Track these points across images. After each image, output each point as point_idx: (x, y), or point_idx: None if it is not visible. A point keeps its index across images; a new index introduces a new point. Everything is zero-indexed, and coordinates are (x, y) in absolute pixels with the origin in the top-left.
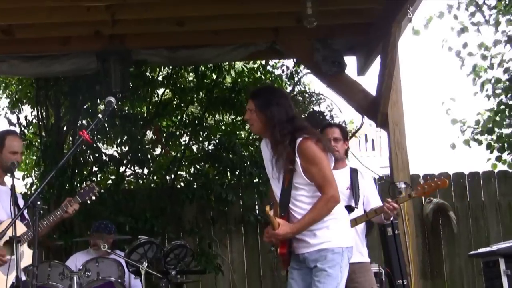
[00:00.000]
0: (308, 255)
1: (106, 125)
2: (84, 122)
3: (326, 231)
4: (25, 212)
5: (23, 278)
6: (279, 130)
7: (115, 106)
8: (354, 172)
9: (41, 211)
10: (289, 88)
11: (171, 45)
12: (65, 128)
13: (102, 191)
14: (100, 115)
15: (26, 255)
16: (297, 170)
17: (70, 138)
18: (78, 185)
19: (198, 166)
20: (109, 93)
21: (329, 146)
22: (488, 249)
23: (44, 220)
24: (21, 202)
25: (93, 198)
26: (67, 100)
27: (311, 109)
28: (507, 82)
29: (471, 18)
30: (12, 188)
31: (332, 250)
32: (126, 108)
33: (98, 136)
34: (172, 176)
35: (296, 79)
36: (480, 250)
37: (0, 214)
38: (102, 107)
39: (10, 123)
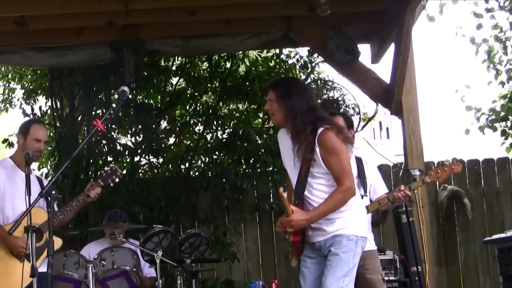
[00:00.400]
0: (324, 242)
1: (120, 115)
2: (98, 112)
3: (343, 220)
4: None
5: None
6: (301, 120)
7: (129, 96)
8: (359, 161)
9: (56, 201)
10: (303, 77)
11: (184, 34)
12: (79, 119)
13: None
14: (114, 105)
15: None
16: (316, 160)
17: (85, 128)
18: (93, 175)
19: (212, 155)
20: (123, 83)
21: (349, 137)
22: (502, 235)
23: (67, 206)
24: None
25: (116, 180)
26: (81, 91)
27: (325, 96)
28: None
29: (486, 5)
30: (27, 177)
31: (348, 236)
32: (140, 97)
33: (113, 126)
34: (187, 165)
35: (309, 68)
36: (494, 236)
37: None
38: (116, 97)
39: (25, 114)
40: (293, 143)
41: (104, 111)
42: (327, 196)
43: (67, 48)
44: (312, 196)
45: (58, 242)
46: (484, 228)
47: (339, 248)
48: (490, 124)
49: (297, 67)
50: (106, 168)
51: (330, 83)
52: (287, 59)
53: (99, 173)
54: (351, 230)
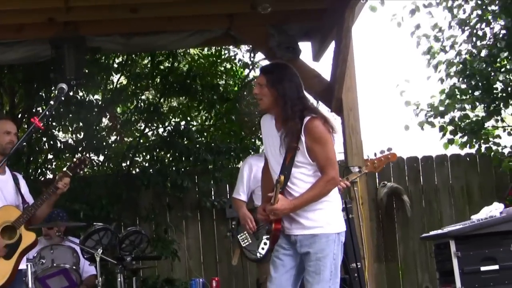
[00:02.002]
0: (301, 237)
1: (61, 112)
2: (39, 109)
3: (321, 214)
4: (28, 196)
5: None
6: (291, 107)
7: (70, 93)
8: None
9: None
10: (244, 74)
11: (125, 31)
12: (19, 116)
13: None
14: (52, 102)
15: (24, 237)
16: (300, 148)
17: (25, 126)
18: (33, 173)
19: (153, 153)
20: (63, 80)
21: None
22: (439, 231)
23: (37, 200)
24: (23, 185)
25: (85, 169)
26: (21, 88)
27: None
28: (460, 65)
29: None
30: None
31: (327, 236)
32: (81, 95)
33: (53, 123)
34: (128, 162)
35: (250, 65)
36: (431, 233)
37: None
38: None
39: None
40: (280, 130)
41: (44, 108)
42: (308, 186)
43: (7, 45)
44: (293, 186)
45: (31, 237)
46: (423, 224)
47: (319, 251)
48: (428, 120)
49: (237, 63)
50: (74, 159)
51: None
52: (229, 56)
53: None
54: (330, 228)
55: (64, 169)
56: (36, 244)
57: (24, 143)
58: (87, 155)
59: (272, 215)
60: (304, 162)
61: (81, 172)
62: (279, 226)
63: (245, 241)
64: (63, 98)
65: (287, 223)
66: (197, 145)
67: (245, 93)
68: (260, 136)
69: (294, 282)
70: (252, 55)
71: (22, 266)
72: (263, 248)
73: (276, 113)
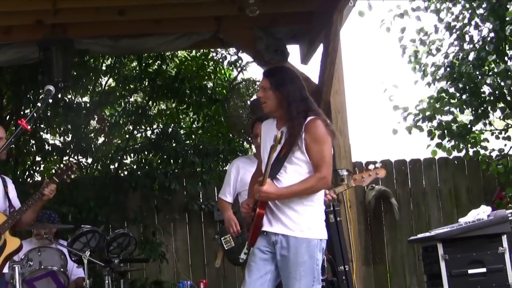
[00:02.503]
0: (282, 238)
1: (49, 114)
2: (27, 111)
3: (304, 218)
4: (15, 201)
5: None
6: (295, 108)
7: (59, 95)
8: None
9: None
10: (232, 76)
11: (113, 34)
12: (7, 118)
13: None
14: (39, 104)
15: (9, 242)
16: (299, 146)
17: (13, 128)
18: (22, 175)
19: (141, 155)
20: (51, 83)
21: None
22: (427, 234)
23: (23, 206)
24: (11, 189)
25: (72, 176)
26: (9, 90)
27: (254, 97)
28: (448, 69)
29: (412, 3)
30: None
31: (308, 241)
32: (69, 97)
33: (41, 125)
34: (116, 165)
35: (238, 68)
36: (419, 236)
37: None
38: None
39: None
40: (280, 128)
41: (32, 110)
42: None
43: None
44: (283, 179)
45: (16, 243)
46: (411, 227)
47: (300, 256)
48: (417, 125)
49: (225, 66)
50: (61, 165)
51: (258, 83)
52: (217, 58)
53: (53, 170)
54: (311, 233)
55: (53, 175)
56: (21, 250)
57: (12, 145)
58: (75, 157)
59: (257, 197)
60: (301, 159)
61: (68, 178)
62: (262, 211)
63: (228, 244)
64: (50, 100)
65: (269, 220)
66: (185, 148)
67: (233, 96)
68: (248, 138)
69: None
70: (239, 57)
71: (6, 269)
72: (245, 253)
73: (280, 115)
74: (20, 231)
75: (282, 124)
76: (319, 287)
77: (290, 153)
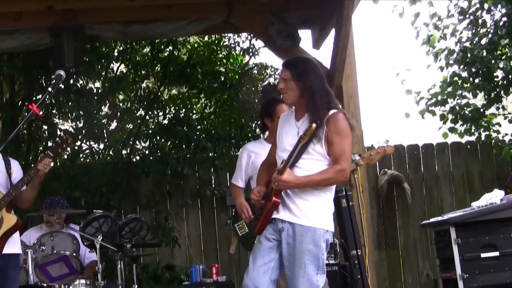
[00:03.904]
0: (288, 226)
1: (61, 100)
2: (39, 97)
3: (312, 207)
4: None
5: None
6: (319, 98)
7: (71, 82)
8: None
9: None
10: (244, 61)
11: (124, 19)
12: (20, 104)
13: (58, 165)
14: (49, 89)
15: (6, 220)
16: (320, 137)
17: (25, 114)
18: (34, 161)
19: (153, 140)
20: (62, 68)
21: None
22: (439, 218)
23: (19, 182)
24: (16, 169)
25: (68, 149)
26: (21, 76)
27: (266, 82)
28: (460, 53)
29: None
30: None
31: (313, 230)
32: (81, 83)
33: (53, 111)
34: (128, 150)
35: (250, 53)
36: (432, 220)
37: None
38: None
39: None
40: (299, 120)
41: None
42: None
43: (6, 32)
44: (299, 169)
45: (12, 219)
46: (424, 212)
47: (305, 245)
48: (429, 109)
49: (238, 51)
50: (56, 138)
51: (270, 69)
52: (229, 44)
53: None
54: (318, 222)
55: (47, 149)
56: (19, 227)
57: (24, 131)
58: (87, 143)
59: (276, 185)
60: (319, 152)
61: (63, 152)
62: (278, 200)
63: (242, 230)
64: (62, 86)
65: (281, 207)
66: (197, 133)
67: (245, 81)
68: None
69: (271, 276)
70: (251, 42)
71: (17, 250)
72: None
73: (301, 106)
74: (22, 208)
75: (301, 115)
76: (323, 276)
77: (309, 144)
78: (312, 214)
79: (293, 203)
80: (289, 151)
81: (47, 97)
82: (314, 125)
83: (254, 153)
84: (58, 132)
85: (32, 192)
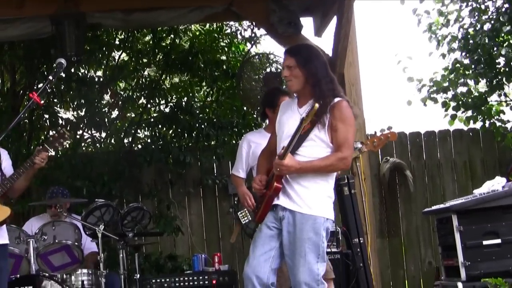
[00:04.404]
0: (289, 214)
1: (62, 89)
2: (40, 86)
3: (312, 195)
4: (8, 170)
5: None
6: (325, 84)
7: (72, 70)
8: None
9: None
10: (246, 49)
11: (125, 8)
12: (21, 93)
13: (59, 154)
14: (50, 77)
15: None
16: (323, 122)
17: (27, 103)
18: (35, 149)
19: (155, 129)
20: (64, 57)
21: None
22: (441, 206)
23: (14, 174)
24: (5, 158)
25: (65, 144)
26: (22, 65)
27: (267, 70)
28: (462, 40)
29: None
30: None
31: (314, 218)
32: (83, 72)
33: (55, 100)
34: (130, 139)
35: (252, 41)
36: (434, 207)
37: None
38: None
39: None
40: (302, 107)
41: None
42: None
43: (7, 21)
44: (301, 155)
45: (6, 211)
46: (426, 200)
47: (305, 233)
48: (431, 96)
49: (239, 39)
50: (53, 132)
51: (272, 57)
52: (231, 32)
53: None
54: (318, 211)
55: (44, 143)
56: (11, 217)
57: (26, 120)
58: (89, 131)
59: (277, 171)
60: (322, 139)
61: (60, 146)
62: (280, 186)
63: (245, 218)
64: (63, 74)
65: (281, 195)
66: (199, 121)
67: (247, 69)
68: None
69: (272, 265)
70: (253, 30)
71: (5, 241)
72: None
73: (305, 93)
74: (13, 198)
75: (305, 102)
76: (323, 264)
77: (312, 130)
78: (312, 202)
79: (293, 190)
80: (290, 137)
81: (48, 85)
82: (316, 105)
83: (254, 143)
84: (60, 121)
85: (24, 184)
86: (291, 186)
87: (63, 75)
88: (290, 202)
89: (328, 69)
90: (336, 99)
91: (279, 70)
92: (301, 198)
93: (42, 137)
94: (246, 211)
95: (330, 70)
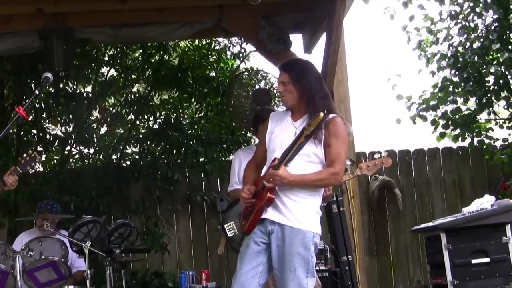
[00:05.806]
0: (276, 230)
1: (51, 104)
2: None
3: (301, 209)
4: None
5: None
6: (319, 100)
7: (60, 85)
8: None
9: None
10: (235, 66)
11: (114, 23)
12: (9, 108)
13: (47, 170)
14: (36, 91)
15: None
16: (319, 138)
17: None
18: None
19: (144, 145)
20: (51, 72)
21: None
22: (430, 224)
23: None
24: None
25: (36, 167)
26: (10, 80)
27: (257, 86)
28: (452, 58)
29: None
30: None
31: (303, 233)
32: (71, 87)
33: (43, 115)
34: (118, 155)
35: (241, 57)
36: (422, 225)
37: None
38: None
39: None
40: (297, 121)
41: (34, 100)
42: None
43: None
44: (292, 168)
45: None
46: (415, 217)
47: (295, 248)
48: (420, 114)
49: (229, 56)
50: (24, 155)
51: (261, 73)
52: (220, 48)
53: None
54: (307, 225)
55: (16, 166)
56: None
57: (14, 135)
58: (77, 147)
59: (270, 182)
60: (313, 152)
61: (31, 169)
62: (273, 196)
63: (231, 231)
64: (52, 90)
65: (270, 208)
66: (188, 137)
67: (236, 85)
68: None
69: (260, 280)
70: (242, 46)
71: None
72: None
73: (299, 108)
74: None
75: (299, 116)
76: (313, 280)
77: (306, 144)
78: (302, 216)
79: (283, 204)
80: (283, 149)
81: (34, 99)
82: (321, 114)
83: (245, 161)
84: (48, 137)
85: None
86: (280, 199)
87: (52, 90)
88: (280, 215)
89: (322, 84)
90: (331, 115)
91: (268, 87)
92: (290, 212)
93: (30, 152)
94: (233, 224)
95: (324, 84)
